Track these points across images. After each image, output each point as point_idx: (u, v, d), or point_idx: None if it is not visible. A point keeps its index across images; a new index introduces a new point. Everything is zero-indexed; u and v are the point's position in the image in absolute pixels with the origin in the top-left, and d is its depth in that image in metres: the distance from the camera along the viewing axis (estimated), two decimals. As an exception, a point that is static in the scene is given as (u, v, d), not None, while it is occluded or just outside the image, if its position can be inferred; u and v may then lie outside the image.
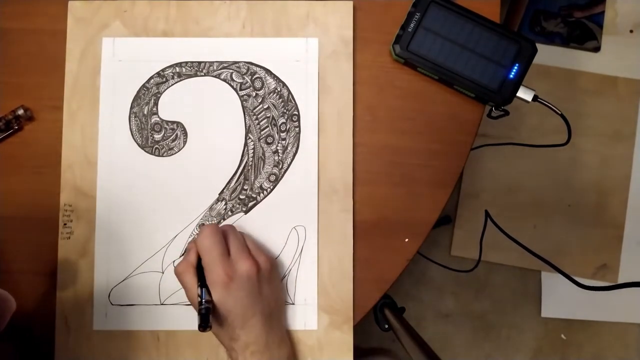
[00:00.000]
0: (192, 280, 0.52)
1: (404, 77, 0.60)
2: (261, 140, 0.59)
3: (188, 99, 0.59)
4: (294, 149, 0.59)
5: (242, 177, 0.59)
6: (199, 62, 0.59)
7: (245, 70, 0.59)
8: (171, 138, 0.59)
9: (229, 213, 0.58)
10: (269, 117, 0.59)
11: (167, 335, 0.57)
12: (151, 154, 0.59)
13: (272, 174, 0.59)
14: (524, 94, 0.58)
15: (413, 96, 0.60)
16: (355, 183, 0.59)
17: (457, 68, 0.58)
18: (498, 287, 1.41)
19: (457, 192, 1.40)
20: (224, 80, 0.59)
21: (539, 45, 0.58)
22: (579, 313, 1.40)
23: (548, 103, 0.59)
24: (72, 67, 0.59)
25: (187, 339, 0.57)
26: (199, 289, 0.50)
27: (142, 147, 0.59)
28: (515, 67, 0.57)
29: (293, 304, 0.58)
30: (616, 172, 1.42)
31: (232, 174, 0.59)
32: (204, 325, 0.47)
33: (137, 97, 0.59)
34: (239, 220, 0.58)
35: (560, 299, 1.40)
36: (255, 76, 0.59)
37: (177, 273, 0.53)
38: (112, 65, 0.59)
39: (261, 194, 0.59)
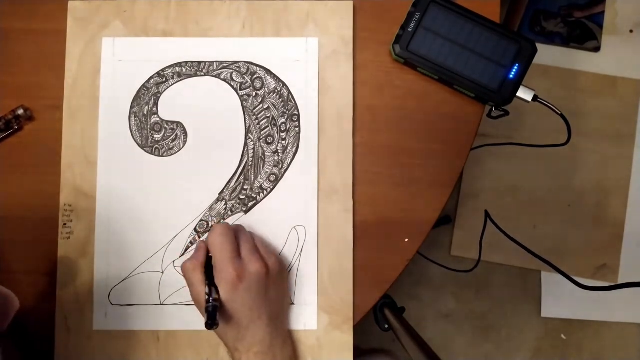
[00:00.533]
0: (199, 278, 0.51)
1: (404, 77, 0.60)
2: (261, 140, 0.59)
3: (188, 98, 0.59)
4: (294, 148, 0.59)
5: (242, 177, 0.59)
6: (199, 62, 0.59)
7: (245, 70, 0.59)
8: (171, 138, 0.59)
9: (229, 213, 0.58)
10: (269, 117, 0.59)
11: (167, 335, 0.57)
12: (151, 153, 0.59)
13: (272, 174, 0.59)
14: (524, 94, 0.58)
15: (413, 96, 0.60)
16: (355, 183, 0.59)
17: (457, 68, 0.58)
18: (498, 287, 1.41)
19: (457, 192, 1.40)
20: (224, 80, 0.59)
21: (539, 45, 0.58)
22: (579, 313, 1.40)
23: (548, 103, 0.59)
24: (72, 67, 0.59)
25: (187, 339, 0.57)
26: (207, 287, 0.50)
27: (142, 147, 0.59)
28: (515, 67, 0.57)
29: (293, 304, 0.58)
30: (616, 172, 1.42)
31: (232, 174, 0.59)
32: (210, 323, 0.47)
33: (137, 97, 0.59)
34: (239, 220, 0.58)
35: (560, 299, 1.40)
36: (255, 76, 0.59)
37: (185, 270, 0.53)
38: (112, 65, 0.59)
39: (261, 194, 0.58)
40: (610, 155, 1.42)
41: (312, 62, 0.59)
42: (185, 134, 0.59)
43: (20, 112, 0.58)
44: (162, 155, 0.59)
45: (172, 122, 0.59)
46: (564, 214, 1.41)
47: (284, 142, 0.59)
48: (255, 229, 0.58)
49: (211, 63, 0.59)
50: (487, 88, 0.57)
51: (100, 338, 0.57)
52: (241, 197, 0.58)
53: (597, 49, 1.44)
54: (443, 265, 1.31)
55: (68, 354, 0.56)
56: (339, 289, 0.58)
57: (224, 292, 0.50)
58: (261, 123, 0.59)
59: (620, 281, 1.40)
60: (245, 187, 0.59)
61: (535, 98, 0.59)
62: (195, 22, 0.60)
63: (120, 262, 0.57)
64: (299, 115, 0.59)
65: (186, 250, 0.58)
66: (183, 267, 0.53)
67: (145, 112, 0.59)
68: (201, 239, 0.58)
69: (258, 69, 0.59)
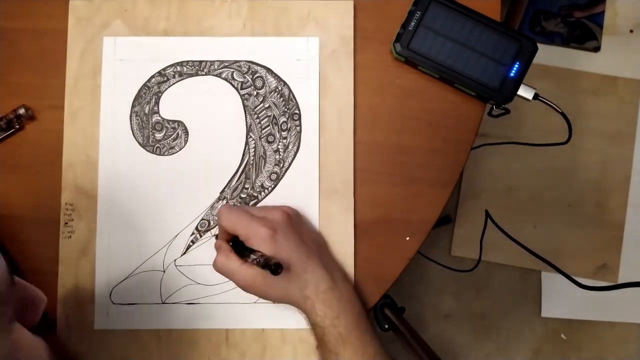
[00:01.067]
0: (236, 261, 0.51)
1: (405, 76, 0.60)
2: (262, 139, 0.59)
3: (189, 98, 0.59)
4: (295, 147, 0.59)
5: (243, 175, 0.59)
6: (200, 61, 0.60)
7: (246, 70, 0.60)
8: (172, 137, 0.59)
9: (230, 212, 0.58)
10: (270, 116, 0.59)
11: (169, 334, 0.57)
12: (152, 153, 0.59)
13: (273, 173, 0.59)
14: (525, 92, 0.58)
15: (414, 95, 0.60)
16: (356, 182, 0.59)
17: (458, 66, 0.58)
18: (498, 287, 1.41)
19: (457, 192, 1.40)
20: (225, 79, 0.59)
21: (539, 45, 0.58)
22: (579, 313, 1.40)
23: (548, 101, 0.59)
24: (73, 67, 0.59)
25: (189, 338, 0.57)
26: (248, 254, 0.50)
27: (143, 146, 0.59)
28: (516, 66, 0.57)
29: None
30: (616, 172, 1.42)
31: (233, 173, 0.59)
32: (275, 267, 0.46)
33: (138, 96, 0.59)
34: (240, 219, 0.58)
35: (560, 299, 1.40)
36: (256, 75, 0.60)
37: (220, 264, 0.52)
38: (113, 64, 0.59)
39: (262, 193, 0.59)
40: (610, 155, 1.42)
41: (312, 61, 0.60)
42: (186, 133, 0.59)
43: (22, 111, 0.58)
44: (163, 155, 0.59)
45: (173, 121, 0.59)
46: (564, 214, 1.41)
47: (285, 141, 0.59)
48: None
49: (212, 62, 0.60)
50: (488, 86, 0.58)
51: (102, 337, 0.57)
52: (242, 195, 0.59)
53: (597, 49, 1.44)
54: (443, 265, 1.31)
55: (69, 353, 0.56)
56: (340, 288, 0.58)
57: (268, 249, 0.50)
58: (262, 122, 0.59)
59: (620, 281, 1.39)
60: (247, 186, 0.59)
61: (536, 96, 0.59)
62: (196, 22, 0.60)
63: (121, 261, 0.57)
64: (299, 114, 0.59)
65: (187, 249, 0.58)
66: (216, 266, 0.53)
67: (147, 112, 0.59)
68: (215, 240, 0.58)
69: (259, 68, 0.60)
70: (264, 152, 0.59)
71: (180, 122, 0.59)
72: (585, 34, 1.43)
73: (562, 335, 1.40)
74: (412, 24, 0.58)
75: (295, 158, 0.59)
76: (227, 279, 0.53)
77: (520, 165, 1.41)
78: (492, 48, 0.58)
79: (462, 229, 1.39)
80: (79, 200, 0.58)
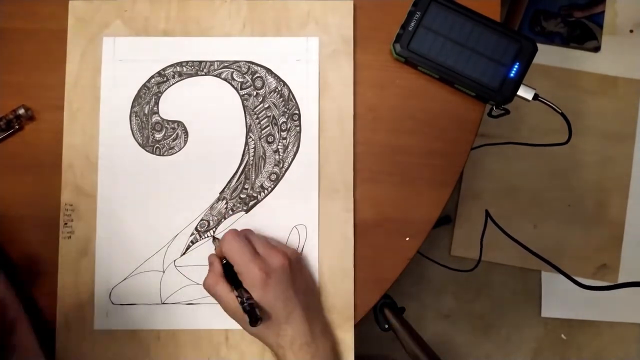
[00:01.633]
0: (225, 288, 0.52)
1: (405, 76, 0.60)
2: (262, 140, 0.59)
3: (189, 98, 0.59)
4: (295, 148, 0.59)
5: (242, 176, 0.59)
6: (200, 62, 0.59)
7: (245, 70, 0.59)
8: (172, 137, 0.59)
9: (230, 212, 0.58)
10: (269, 116, 0.59)
11: (168, 335, 0.57)
12: (152, 153, 0.59)
13: (273, 173, 0.59)
14: (525, 92, 0.58)
15: (413, 95, 0.60)
16: (356, 182, 0.59)
17: (458, 67, 0.58)
18: (498, 287, 1.41)
19: (457, 192, 1.40)
20: (225, 79, 0.59)
21: (539, 45, 0.58)
22: (579, 313, 1.40)
23: (548, 101, 0.59)
24: (72, 67, 0.59)
25: (188, 338, 0.57)
26: (235, 291, 0.50)
27: (142, 146, 0.59)
28: (516, 66, 0.57)
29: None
30: (616, 172, 1.42)
31: (232, 173, 0.59)
32: (255, 319, 0.47)
33: (137, 97, 0.59)
34: (240, 220, 0.58)
35: (560, 299, 1.40)
36: (256, 75, 0.59)
37: (208, 286, 0.53)
38: (113, 64, 0.59)
39: (262, 193, 0.59)
40: (610, 155, 1.42)
41: (312, 62, 0.60)
42: (186, 133, 0.59)
43: (21, 111, 0.58)
44: (163, 155, 0.59)
45: (173, 122, 0.59)
46: (564, 214, 1.41)
47: (284, 141, 0.59)
48: (256, 228, 0.58)
49: (212, 62, 0.60)
50: (488, 87, 0.58)
51: (101, 337, 0.57)
52: (242, 196, 0.58)
53: (597, 49, 1.44)
54: (443, 265, 1.31)
55: (69, 354, 0.56)
56: (339, 288, 0.58)
57: (256, 293, 0.50)
58: (262, 122, 0.59)
59: (620, 281, 1.40)
60: (246, 187, 0.59)
61: (535, 97, 0.59)
62: (195, 22, 0.60)
63: (121, 261, 0.57)
64: (299, 115, 0.59)
65: (187, 249, 0.58)
66: (205, 285, 0.53)
67: (146, 112, 0.59)
68: (211, 254, 0.57)
69: (259, 68, 0.59)
70: (264, 153, 0.59)
71: (179, 123, 0.59)
72: (585, 34, 1.43)
73: (562, 335, 1.40)
74: (412, 24, 0.58)
75: (295, 158, 0.59)
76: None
77: (520, 165, 1.41)
78: (492, 48, 0.58)
79: (462, 229, 1.39)
80: (78, 200, 0.58)
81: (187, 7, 0.60)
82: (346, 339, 0.57)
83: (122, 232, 0.58)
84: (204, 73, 0.59)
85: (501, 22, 0.60)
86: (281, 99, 0.59)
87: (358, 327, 0.58)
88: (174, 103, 0.59)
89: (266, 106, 0.59)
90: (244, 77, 0.59)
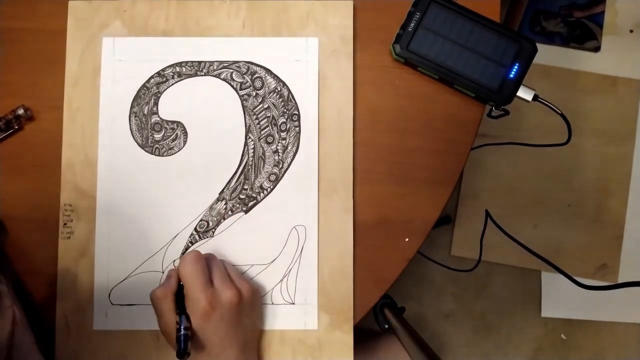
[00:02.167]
0: (169, 307, 0.51)
1: (404, 77, 0.60)
2: (261, 140, 0.59)
3: (188, 98, 0.59)
4: (294, 148, 0.59)
5: (242, 176, 0.59)
6: (199, 62, 0.59)
7: (245, 70, 0.59)
8: (171, 138, 0.59)
9: (229, 213, 0.58)
10: (269, 116, 0.59)
11: (168, 335, 0.57)
12: (151, 153, 0.59)
13: (272, 174, 0.59)
14: (524, 93, 0.58)
15: (413, 96, 0.60)
16: (356, 183, 0.59)
17: (458, 67, 0.58)
18: (498, 287, 1.41)
19: (457, 192, 1.40)
20: (224, 79, 0.59)
21: (539, 45, 0.58)
22: (579, 313, 1.40)
23: (548, 102, 0.59)
24: (72, 67, 0.59)
25: (188, 338, 0.57)
26: (178, 316, 0.49)
27: (142, 146, 0.59)
28: (516, 67, 0.57)
29: (293, 303, 0.58)
30: (616, 172, 1.42)
31: (232, 174, 0.59)
32: (182, 352, 0.46)
33: (137, 97, 0.59)
34: (239, 220, 0.58)
35: (560, 299, 1.40)
36: (256, 76, 0.59)
37: (155, 299, 0.52)
38: (112, 64, 0.59)
39: (261, 194, 0.59)
40: (610, 155, 1.42)
41: (312, 62, 0.59)
42: (185, 133, 0.59)
43: (21, 111, 0.58)
44: (162, 155, 0.59)
45: (172, 122, 0.59)
46: (564, 214, 1.41)
47: (284, 141, 0.59)
48: (255, 228, 0.58)
49: (211, 63, 0.60)
50: (488, 87, 0.57)
51: (101, 338, 0.57)
52: (241, 196, 0.58)
53: (597, 49, 1.44)
54: (443, 265, 1.31)
55: (68, 354, 0.56)
56: (339, 289, 0.58)
57: (196, 321, 0.49)
58: (261, 123, 0.59)
59: (620, 281, 1.39)
60: (246, 187, 0.59)
61: (535, 97, 0.59)
62: (195, 22, 0.60)
63: (120, 261, 0.57)
64: (299, 115, 0.59)
65: (186, 250, 0.58)
66: (152, 295, 0.52)
67: (146, 112, 0.59)
68: (172, 267, 0.57)
69: (258, 68, 0.59)
70: (263, 153, 0.59)
71: (179, 123, 0.59)
72: (585, 34, 1.43)
73: (562, 335, 1.40)
74: (412, 25, 0.58)
75: (295, 159, 0.59)
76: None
77: (520, 165, 1.41)
78: (491, 49, 0.58)
79: (462, 229, 1.39)
80: (78, 201, 0.58)
81: (186, 7, 0.60)
82: (346, 339, 0.57)
83: (121, 232, 0.58)
84: (203, 73, 0.59)
85: (501, 22, 0.60)
86: (281, 100, 0.59)
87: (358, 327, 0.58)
88: (173, 103, 0.59)
89: (266, 106, 0.59)
90: (244, 78, 0.59)
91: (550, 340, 1.40)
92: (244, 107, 0.59)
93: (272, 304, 0.57)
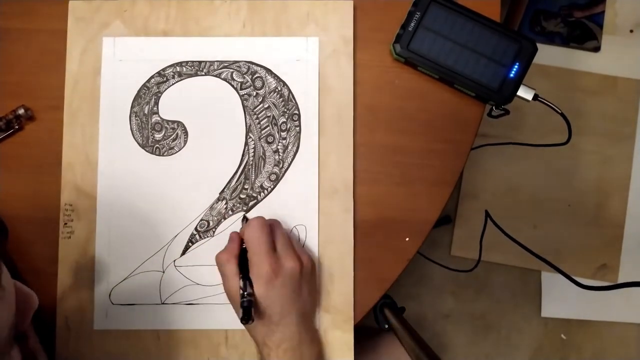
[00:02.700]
0: (233, 270, 0.52)
1: (405, 77, 0.60)
2: (262, 140, 0.59)
3: (188, 98, 0.59)
4: (295, 148, 0.59)
5: (242, 176, 0.59)
6: (200, 62, 0.59)
7: (245, 70, 0.59)
8: (172, 137, 0.59)
9: (230, 212, 0.58)
10: (269, 116, 0.59)
11: (168, 335, 0.57)
12: (152, 153, 0.59)
13: (273, 173, 0.59)
14: (525, 93, 0.58)
15: (413, 95, 0.60)
16: (356, 182, 0.59)
17: (458, 67, 0.58)
18: (498, 287, 1.41)
19: (457, 192, 1.40)
20: (225, 79, 0.59)
21: (539, 45, 0.58)
22: (579, 313, 1.40)
23: (548, 102, 0.59)
24: (72, 67, 0.59)
25: (188, 338, 0.57)
26: (241, 281, 0.50)
27: (142, 146, 0.59)
28: (516, 66, 0.57)
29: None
30: (616, 172, 1.42)
31: (232, 173, 0.59)
32: (247, 318, 0.47)
33: (137, 97, 0.59)
34: (239, 220, 0.58)
35: (560, 299, 1.39)
36: (256, 75, 0.59)
37: (219, 262, 0.53)
38: (113, 64, 0.59)
39: (262, 194, 0.59)
40: (610, 155, 1.42)
41: (312, 62, 0.59)
42: (185, 133, 0.59)
43: (21, 111, 0.58)
44: (163, 155, 0.59)
45: (173, 122, 0.59)
46: (564, 214, 1.40)
47: (284, 141, 0.59)
48: (255, 228, 0.58)
49: (212, 62, 0.60)
50: (488, 87, 0.58)
51: (101, 337, 0.57)
52: (242, 196, 0.58)
53: (597, 49, 1.44)
54: (443, 265, 1.31)
55: (69, 354, 0.56)
56: (339, 288, 0.58)
57: (259, 287, 0.50)
58: (262, 122, 0.59)
59: (620, 281, 1.39)
60: (246, 187, 0.59)
61: (535, 97, 0.59)
62: (195, 22, 0.60)
63: (121, 261, 0.57)
64: (299, 115, 0.59)
65: (187, 249, 0.58)
66: (217, 259, 0.53)
67: (146, 112, 0.59)
68: (234, 230, 0.57)
69: (258, 68, 0.59)
70: (264, 153, 0.59)
71: (179, 123, 0.59)
72: (585, 34, 1.43)
73: (562, 335, 1.40)
74: (412, 24, 0.58)
75: (295, 158, 0.59)
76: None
77: (520, 165, 1.41)
78: (491, 49, 0.58)
79: (462, 229, 1.39)
80: (78, 200, 0.58)
81: (187, 7, 0.60)
82: (346, 338, 0.57)
83: (122, 232, 0.58)
84: (203, 73, 0.59)
85: (501, 22, 0.60)
86: (281, 99, 0.59)
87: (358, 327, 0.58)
88: (173, 103, 0.59)
89: (266, 106, 0.59)
90: (244, 77, 0.59)
91: (550, 340, 1.40)
92: (244, 106, 0.59)
93: None
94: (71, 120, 0.58)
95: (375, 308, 0.74)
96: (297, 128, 0.59)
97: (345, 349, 0.57)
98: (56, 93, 0.59)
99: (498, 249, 1.37)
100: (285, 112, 0.59)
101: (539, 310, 1.40)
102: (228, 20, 0.60)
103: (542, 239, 1.39)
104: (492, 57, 0.58)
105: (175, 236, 0.58)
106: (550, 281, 1.40)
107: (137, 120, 0.59)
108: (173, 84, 0.59)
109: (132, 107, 0.59)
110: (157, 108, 0.59)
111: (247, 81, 0.59)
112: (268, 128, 0.59)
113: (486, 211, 1.02)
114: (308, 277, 0.54)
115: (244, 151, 0.59)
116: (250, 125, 0.59)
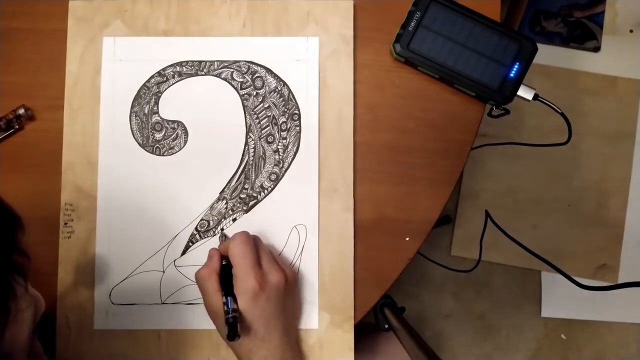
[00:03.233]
0: (215, 287, 0.51)
1: (405, 76, 0.60)
2: (262, 139, 0.59)
3: (189, 98, 0.59)
4: (295, 148, 0.59)
5: (242, 176, 0.59)
6: (200, 62, 0.59)
7: (245, 70, 0.59)
8: (172, 137, 0.59)
9: (230, 212, 0.58)
10: (269, 116, 0.59)
11: (168, 334, 0.57)
12: (152, 153, 0.59)
13: (273, 173, 0.59)
14: (525, 92, 0.58)
15: (413, 95, 0.60)
16: (356, 182, 0.59)
17: (458, 67, 0.58)
18: (498, 287, 1.41)
19: (457, 192, 1.40)
20: (225, 79, 0.59)
21: (539, 45, 0.58)
22: (579, 313, 1.40)
23: (548, 102, 0.59)
24: (72, 67, 0.59)
25: (188, 338, 0.57)
26: (224, 297, 0.50)
27: (142, 146, 0.59)
28: (516, 66, 0.57)
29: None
30: (616, 172, 1.42)
31: (232, 173, 0.59)
32: (232, 335, 0.47)
33: (137, 97, 0.59)
34: (240, 220, 0.58)
35: (560, 299, 1.39)
36: (256, 75, 0.59)
37: (200, 278, 0.53)
38: (113, 64, 0.59)
39: (262, 193, 0.59)
40: (610, 155, 1.42)
41: (312, 61, 0.60)
42: (185, 133, 0.59)
43: (21, 111, 0.58)
44: (163, 155, 0.59)
45: (173, 122, 0.59)
46: (564, 214, 1.40)
47: (284, 141, 0.59)
48: (255, 228, 0.58)
49: (212, 62, 0.60)
50: (488, 87, 0.58)
51: (102, 337, 0.57)
52: (242, 196, 0.58)
53: (597, 49, 1.44)
54: (443, 265, 1.31)
55: (69, 353, 0.56)
56: (339, 288, 0.58)
57: (244, 302, 0.50)
58: (262, 122, 0.59)
59: (620, 281, 1.39)
60: (246, 186, 0.59)
61: (535, 97, 0.59)
62: (195, 22, 0.60)
63: (121, 261, 0.57)
64: (299, 115, 0.59)
65: (186, 249, 0.58)
66: (197, 275, 0.53)
67: (146, 112, 0.59)
68: (213, 248, 0.57)
69: (259, 68, 0.59)
70: (264, 153, 0.59)
71: (179, 123, 0.59)
72: (585, 34, 1.43)
73: (562, 335, 1.40)
74: (412, 24, 0.58)
75: (295, 158, 0.59)
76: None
77: (520, 165, 1.41)
78: (492, 48, 0.58)
79: (462, 229, 1.39)
80: (78, 200, 0.58)
81: (187, 7, 0.60)
82: (347, 338, 0.57)
83: (122, 232, 0.58)
84: (203, 73, 0.59)
85: (501, 22, 0.60)
86: (281, 99, 0.59)
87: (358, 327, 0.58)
88: (174, 103, 0.59)
89: (266, 106, 0.59)
90: (244, 77, 0.59)
91: (550, 340, 1.40)
92: (244, 106, 0.59)
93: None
94: (71, 120, 0.58)
95: (375, 308, 0.74)
96: (297, 128, 0.59)
97: (345, 349, 0.57)
98: (56, 93, 0.59)
99: (498, 249, 1.37)
100: (286, 112, 0.59)
101: (539, 310, 1.40)
102: (228, 20, 0.60)
103: (542, 239, 1.39)
104: (492, 57, 0.58)
105: (176, 236, 0.58)
106: (550, 281, 1.40)
107: (137, 120, 0.59)
108: (173, 84, 0.59)
109: (132, 106, 0.59)
110: (157, 108, 0.59)
111: (247, 81, 0.59)
112: (268, 128, 0.59)
113: (486, 211, 1.02)
114: (291, 291, 0.54)
115: (244, 151, 0.59)
116: (250, 125, 0.59)
